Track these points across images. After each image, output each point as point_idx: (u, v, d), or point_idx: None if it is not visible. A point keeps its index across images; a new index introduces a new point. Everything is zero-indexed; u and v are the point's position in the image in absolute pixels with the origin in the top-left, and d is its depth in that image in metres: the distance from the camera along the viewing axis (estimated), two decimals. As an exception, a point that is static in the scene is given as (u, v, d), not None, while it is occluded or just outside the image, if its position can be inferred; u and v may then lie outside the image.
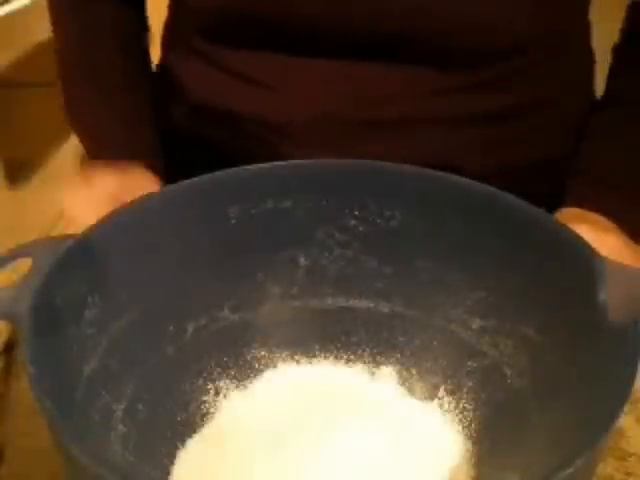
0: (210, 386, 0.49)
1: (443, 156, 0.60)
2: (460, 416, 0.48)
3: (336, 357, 0.51)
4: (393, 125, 0.59)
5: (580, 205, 0.60)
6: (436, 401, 0.48)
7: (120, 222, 0.44)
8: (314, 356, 0.51)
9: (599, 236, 0.54)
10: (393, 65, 0.57)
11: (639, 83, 0.63)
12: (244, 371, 0.50)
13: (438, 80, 0.58)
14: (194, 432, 0.47)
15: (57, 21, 0.66)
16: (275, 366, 0.51)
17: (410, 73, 0.58)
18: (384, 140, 0.60)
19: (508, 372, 0.46)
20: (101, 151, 0.63)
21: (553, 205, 0.62)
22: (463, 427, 0.47)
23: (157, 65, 0.71)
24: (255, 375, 0.50)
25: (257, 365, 0.50)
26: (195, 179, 0.47)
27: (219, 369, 0.49)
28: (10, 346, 0.54)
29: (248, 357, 0.50)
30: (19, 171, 1.42)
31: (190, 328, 0.48)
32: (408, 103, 0.59)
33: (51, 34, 0.66)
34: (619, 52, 0.65)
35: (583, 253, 0.41)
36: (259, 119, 0.61)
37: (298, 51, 0.58)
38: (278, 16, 0.56)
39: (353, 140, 0.59)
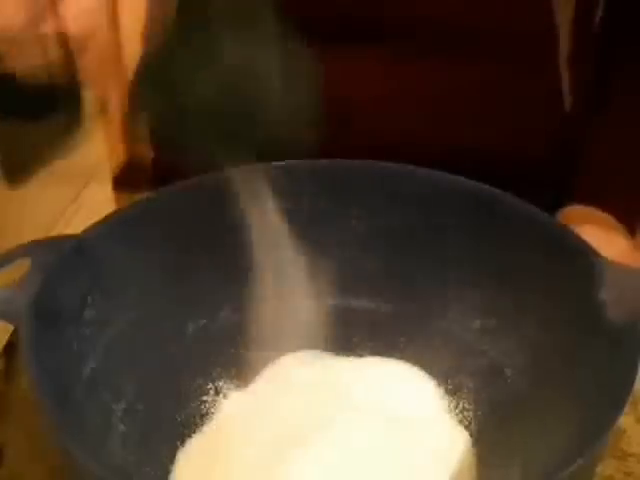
0: (210, 386, 0.49)
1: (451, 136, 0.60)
2: (460, 416, 0.48)
3: (336, 357, 0.51)
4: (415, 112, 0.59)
5: (587, 203, 0.60)
6: (436, 401, 0.48)
7: (120, 222, 0.44)
8: (314, 356, 0.51)
9: (607, 237, 0.54)
10: (425, 49, 0.57)
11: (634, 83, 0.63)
12: (244, 371, 0.50)
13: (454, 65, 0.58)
14: (194, 432, 0.47)
15: None
16: (274, 366, 0.50)
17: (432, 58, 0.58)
18: (410, 126, 0.60)
19: (508, 372, 0.46)
20: None
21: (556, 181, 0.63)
22: (463, 427, 0.47)
23: None
24: (255, 375, 0.50)
25: (257, 365, 0.50)
26: (194, 179, 0.47)
27: (219, 369, 0.49)
28: (10, 346, 0.54)
29: (248, 357, 0.50)
30: (19, 171, 1.42)
31: (190, 328, 0.48)
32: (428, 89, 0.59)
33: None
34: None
35: (583, 253, 0.41)
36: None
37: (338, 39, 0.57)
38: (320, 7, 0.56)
39: (382, 127, 0.59)
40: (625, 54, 0.64)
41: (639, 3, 0.62)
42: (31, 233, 0.49)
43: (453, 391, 0.48)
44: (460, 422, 0.47)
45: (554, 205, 0.60)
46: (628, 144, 0.63)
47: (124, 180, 0.79)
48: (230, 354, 0.50)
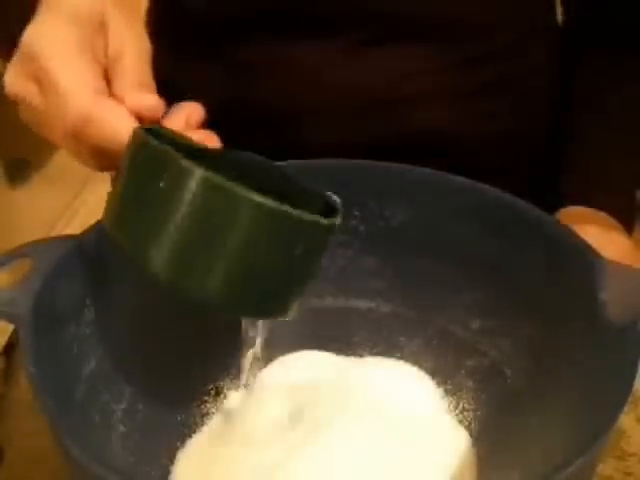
0: (210, 386, 0.49)
1: (439, 130, 0.60)
2: (460, 416, 0.48)
3: (336, 357, 0.51)
4: (391, 105, 0.59)
5: (585, 204, 0.60)
6: (436, 401, 0.48)
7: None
8: (314, 356, 0.51)
9: (607, 237, 0.54)
10: (391, 45, 0.57)
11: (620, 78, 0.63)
12: (244, 371, 0.50)
13: (434, 57, 0.58)
14: (194, 432, 0.47)
15: None
16: (274, 365, 0.50)
17: (408, 52, 0.58)
18: (385, 119, 0.59)
19: (508, 372, 0.46)
20: None
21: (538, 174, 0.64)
22: (463, 427, 0.47)
23: None
24: (255, 375, 0.50)
25: (257, 365, 0.50)
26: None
27: (219, 369, 0.49)
28: (10, 346, 0.54)
29: (248, 357, 0.50)
30: (19, 171, 1.42)
31: (190, 328, 0.48)
32: (406, 83, 0.59)
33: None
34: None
35: (583, 253, 0.41)
36: (275, 107, 0.60)
37: (297, 37, 0.57)
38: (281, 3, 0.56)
39: (356, 121, 0.59)
40: (615, 55, 0.64)
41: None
42: (31, 233, 0.49)
43: (453, 391, 0.48)
44: (460, 422, 0.47)
45: (554, 205, 0.60)
46: (618, 143, 0.63)
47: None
48: (230, 354, 0.50)
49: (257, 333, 0.43)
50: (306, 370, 0.50)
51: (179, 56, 0.64)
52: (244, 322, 0.43)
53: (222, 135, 0.57)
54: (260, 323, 0.42)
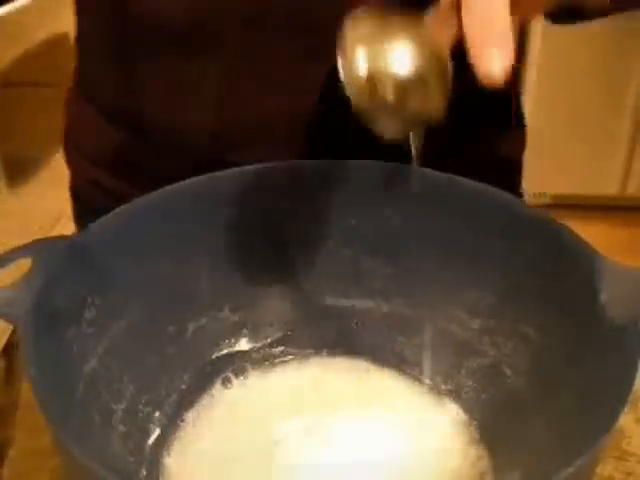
0: (209, 387, 0.49)
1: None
2: (460, 416, 0.48)
3: (336, 357, 0.51)
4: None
5: None
6: (436, 401, 0.48)
7: (120, 222, 0.44)
8: (314, 356, 0.51)
9: None
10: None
11: None
12: (243, 372, 0.50)
13: None
14: (193, 432, 0.47)
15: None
16: (275, 366, 0.51)
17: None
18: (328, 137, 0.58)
19: (508, 372, 0.46)
20: None
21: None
22: (463, 427, 0.47)
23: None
24: (254, 376, 0.50)
25: (256, 366, 0.50)
26: (194, 179, 0.47)
27: (218, 370, 0.49)
28: (11, 346, 0.55)
29: (247, 358, 0.50)
30: (19, 171, 1.42)
31: (190, 328, 0.48)
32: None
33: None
34: None
35: (583, 253, 0.41)
36: (208, 131, 0.58)
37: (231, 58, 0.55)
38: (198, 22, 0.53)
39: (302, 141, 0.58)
40: None
41: None
42: (31, 233, 0.49)
43: (453, 391, 0.48)
44: (460, 422, 0.47)
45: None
46: None
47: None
48: (229, 354, 0.50)
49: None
50: (303, 372, 0.50)
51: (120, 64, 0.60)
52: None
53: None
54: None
